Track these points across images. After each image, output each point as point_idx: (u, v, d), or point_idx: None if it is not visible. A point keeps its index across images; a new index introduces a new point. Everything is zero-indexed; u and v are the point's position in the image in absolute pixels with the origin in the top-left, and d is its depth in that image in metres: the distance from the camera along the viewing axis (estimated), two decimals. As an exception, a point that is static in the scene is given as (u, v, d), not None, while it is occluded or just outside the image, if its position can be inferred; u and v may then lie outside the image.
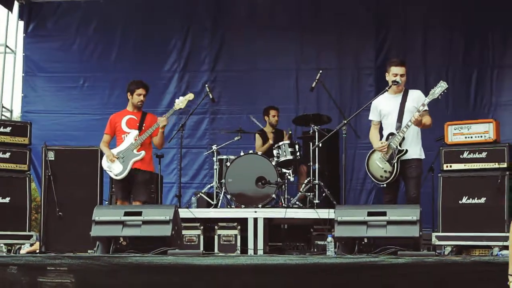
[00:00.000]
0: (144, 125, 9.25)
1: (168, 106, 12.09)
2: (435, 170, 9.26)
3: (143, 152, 9.14)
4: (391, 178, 8.28)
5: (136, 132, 9.21)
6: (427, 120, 8.29)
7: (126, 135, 9.23)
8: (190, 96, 9.52)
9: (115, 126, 9.35)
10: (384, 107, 8.50)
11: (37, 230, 10.13)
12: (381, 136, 8.56)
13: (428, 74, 11.86)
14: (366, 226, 7.45)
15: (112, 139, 9.42)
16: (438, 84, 8.23)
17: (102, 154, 9.37)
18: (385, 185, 8.39)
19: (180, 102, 9.38)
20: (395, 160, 8.25)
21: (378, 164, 8.39)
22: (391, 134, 8.35)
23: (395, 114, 8.38)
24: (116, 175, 9.18)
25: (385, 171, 8.33)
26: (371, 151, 8.56)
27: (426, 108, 8.25)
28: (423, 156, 8.41)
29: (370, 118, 8.67)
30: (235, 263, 7.13)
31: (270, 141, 10.79)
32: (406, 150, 8.23)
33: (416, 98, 8.35)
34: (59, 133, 12.21)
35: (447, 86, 8.20)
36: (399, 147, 8.24)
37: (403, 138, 8.24)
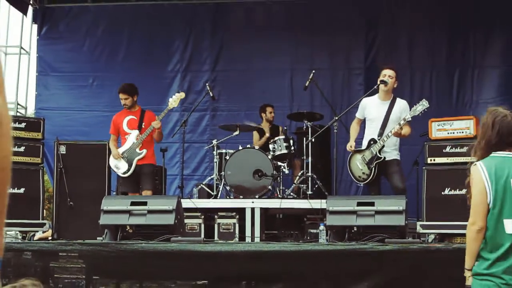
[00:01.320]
0: (143, 123, 9.42)
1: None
2: (419, 164, 9.28)
3: (144, 151, 9.32)
4: (367, 180, 8.52)
5: (136, 132, 9.38)
6: (406, 131, 8.46)
7: (129, 136, 9.41)
8: (182, 95, 9.66)
9: (118, 126, 9.53)
10: (371, 111, 8.62)
11: (49, 219, 10.14)
12: (363, 133, 8.69)
13: (414, 74, 11.89)
14: (356, 215, 7.47)
15: (118, 137, 9.58)
16: (420, 102, 8.37)
17: (110, 149, 9.46)
18: (361, 185, 8.58)
19: (173, 101, 9.48)
20: (373, 165, 8.36)
21: (358, 165, 8.54)
22: (373, 140, 8.46)
23: (380, 121, 8.51)
24: (122, 174, 9.38)
25: (363, 172, 8.50)
26: (353, 151, 8.67)
27: (409, 119, 8.40)
28: (399, 159, 8.57)
29: (356, 114, 8.86)
30: (234, 250, 7.15)
31: (267, 134, 10.78)
32: (384, 158, 8.42)
33: (401, 109, 8.52)
34: (70, 128, 12.19)
35: (428, 105, 8.29)
36: (378, 154, 8.35)
37: (383, 146, 8.36)
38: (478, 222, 4.26)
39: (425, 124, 8.87)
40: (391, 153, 8.50)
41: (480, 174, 4.26)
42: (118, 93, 9.58)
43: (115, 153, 9.33)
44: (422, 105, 8.29)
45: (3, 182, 1.56)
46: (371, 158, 8.42)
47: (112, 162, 9.40)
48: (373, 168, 8.39)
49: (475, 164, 4.33)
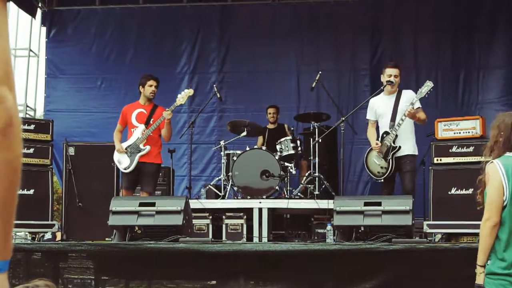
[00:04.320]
0: (152, 119, 9.04)
1: (179, 105, 12.10)
2: (426, 163, 9.25)
3: (148, 147, 8.91)
4: (387, 173, 8.34)
5: (142, 126, 8.99)
6: (421, 115, 8.33)
7: (135, 129, 9.03)
8: (190, 91, 9.35)
9: (126, 117, 9.12)
10: (379, 108, 8.54)
11: (58, 220, 10.15)
12: (378, 134, 8.60)
13: (419, 75, 11.84)
14: (363, 215, 7.44)
15: (125, 129, 9.23)
16: (425, 84, 8.29)
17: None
18: (382, 180, 8.44)
19: (181, 98, 9.16)
20: (390, 157, 8.27)
21: (375, 161, 8.43)
22: (386, 133, 8.38)
23: (389, 114, 8.42)
24: (124, 169, 8.97)
25: (381, 167, 8.37)
26: (368, 150, 8.61)
27: (418, 105, 8.29)
28: (416, 152, 8.46)
29: (367, 117, 8.74)
30: (242, 250, 7.13)
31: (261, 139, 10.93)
32: (400, 147, 8.27)
33: (409, 98, 8.37)
34: (79, 130, 12.21)
35: (433, 85, 8.23)
36: (392, 144, 8.26)
37: (396, 136, 8.26)
38: (493, 217, 4.28)
39: (432, 124, 8.85)
40: (407, 146, 8.36)
41: (498, 171, 4.28)
42: (147, 80, 9.12)
43: (119, 147, 8.96)
44: (427, 86, 8.22)
45: (14, 182, 1.56)
46: (386, 150, 8.32)
47: (116, 156, 9.04)
48: (390, 160, 8.29)
49: (492, 161, 4.34)
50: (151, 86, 9.12)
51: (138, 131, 9.00)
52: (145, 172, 8.97)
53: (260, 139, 11.01)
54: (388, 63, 8.78)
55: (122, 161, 8.99)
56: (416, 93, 8.41)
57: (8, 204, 1.56)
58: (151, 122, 9.02)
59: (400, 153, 8.31)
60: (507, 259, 4.23)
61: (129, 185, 9.01)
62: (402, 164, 8.32)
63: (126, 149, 8.96)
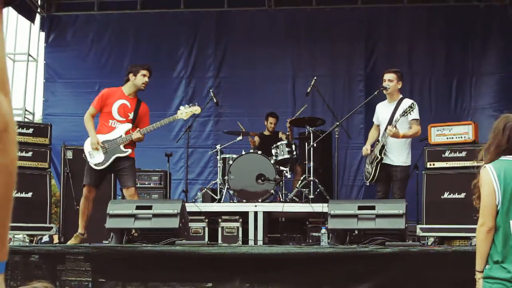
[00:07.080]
0: (137, 116, 8.15)
1: (176, 110, 12.10)
2: (419, 168, 9.27)
3: (129, 150, 8.11)
4: (370, 178, 8.42)
5: (129, 126, 8.10)
6: (412, 130, 8.30)
7: (118, 124, 8.13)
8: (197, 109, 8.43)
9: (105, 103, 8.13)
10: (381, 114, 8.60)
11: (56, 223, 10.14)
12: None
13: (413, 81, 11.89)
14: (357, 219, 7.43)
15: (96, 115, 8.27)
16: (409, 104, 8.21)
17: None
18: (368, 183, 8.54)
19: (185, 113, 8.33)
20: (374, 165, 8.33)
21: (366, 165, 8.54)
22: (377, 140, 8.44)
23: (386, 122, 8.44)
24: (95, 165, 8.11)
25: (368, 172, 8.45)
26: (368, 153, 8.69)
27: (414, 117, 8.27)
28: (408, 163, 8.46)
29: (373, 120, 8.81)
30: (237, 253, 7.13)
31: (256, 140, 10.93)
32: (382, 158, 8.30)
33: (404, 107, 8.35)
34: (77, 134, 12.14)
35: (416, 107, 8.17)
36: (377, 154, 8.30)
37: (383, 146, 8.28)
38: (488, 223, 4.21)
39: (425, 129, 8.87)
40: (399, 157, 8.37)
41: (490, 175, 4.23)
42: (142, 68, 8.11)
43: (95, 141, 8.03)
44: (410, 107, 8.20)
45: (10, 185, 1.57)
46: (373, 157, 8.39)
47: (87, 147, 8.16)
48: (374, 168, 8.34)
49: (485, 166, 4.31)
50: (144, 76, 8.12)
51: (121, 129, 8.13)
52: (122, 167, 8.16)
53: (256, 141, 11.03)
54: (386, 69, 8.85)
55: (95, 156, 8.11)
56: (413, 99, 8.44)
57: (4, 206, 1.57)
58: (136, 120, 8.17)
59: (392, 162, 8.35)
60: (500, 261, 4.20)
61: (96, 182, 8.23)
62: (392, 172, 8.37)
63: (103, 143, 8.09)
